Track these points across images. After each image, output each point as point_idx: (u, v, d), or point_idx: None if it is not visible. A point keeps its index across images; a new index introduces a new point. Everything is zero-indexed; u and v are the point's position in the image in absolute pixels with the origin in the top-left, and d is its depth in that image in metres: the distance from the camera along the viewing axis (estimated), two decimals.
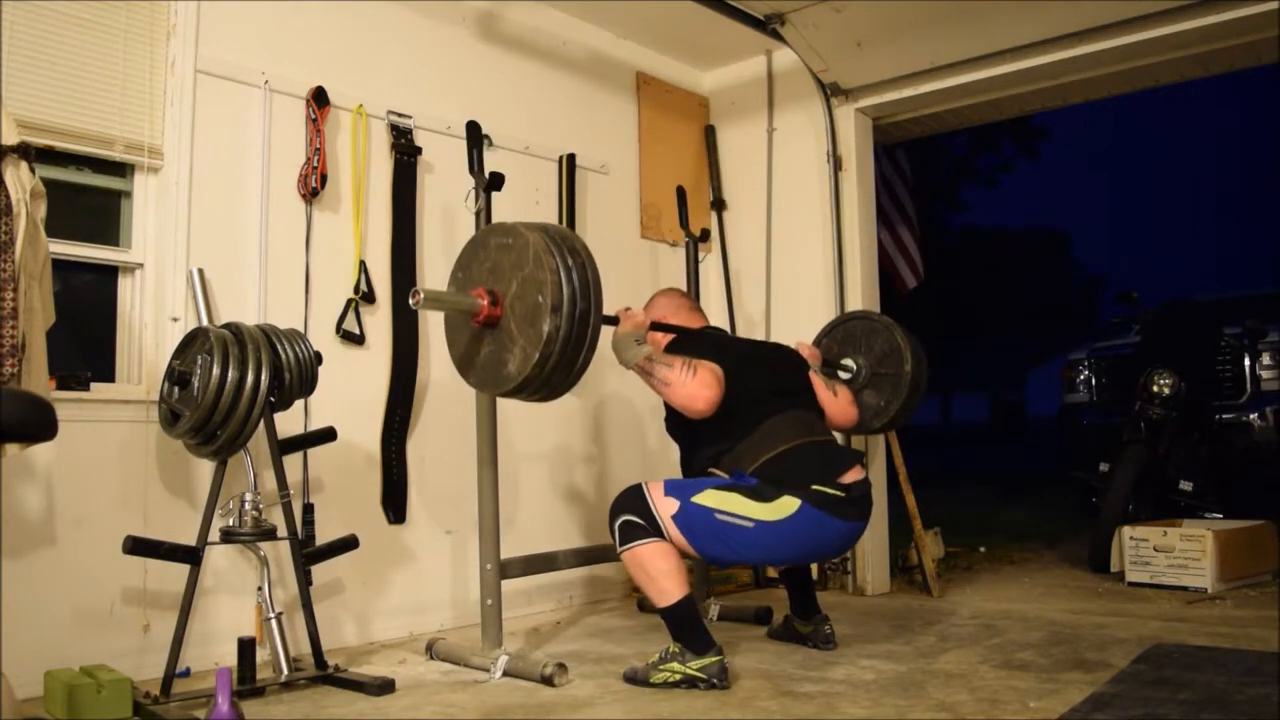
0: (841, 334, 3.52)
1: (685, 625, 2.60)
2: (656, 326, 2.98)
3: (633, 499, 2.66)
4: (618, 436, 4.25)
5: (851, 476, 2.72)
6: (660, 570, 2.58)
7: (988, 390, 32.72)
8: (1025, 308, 29.16)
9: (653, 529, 2.60)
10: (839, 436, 3.41)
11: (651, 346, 2.77)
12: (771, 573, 4.23)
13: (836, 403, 3.11)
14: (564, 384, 2.48)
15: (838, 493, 2.66)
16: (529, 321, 2.36)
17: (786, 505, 2.59)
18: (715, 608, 3.56)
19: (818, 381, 3.10)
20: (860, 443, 4.12)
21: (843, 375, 3.39)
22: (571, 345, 2.36)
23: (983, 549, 5.11)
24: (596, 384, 4.18)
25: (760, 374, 2.87)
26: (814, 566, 3.33)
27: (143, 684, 2.53)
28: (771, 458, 2.68)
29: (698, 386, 2.66)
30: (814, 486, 2.63)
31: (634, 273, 4.33)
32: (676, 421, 2.87)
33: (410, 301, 2.39)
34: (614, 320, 2.81)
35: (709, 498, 2.62)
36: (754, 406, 2.76)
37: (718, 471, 2.75)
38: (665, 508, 2.61)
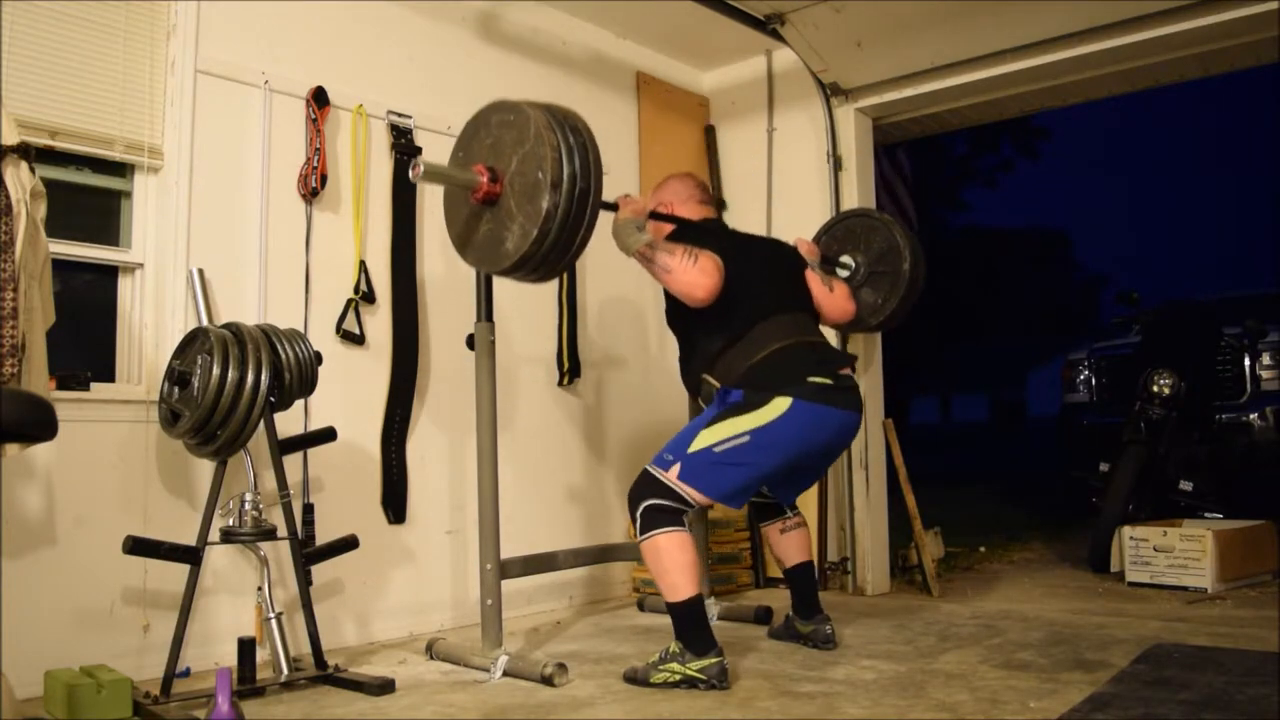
0: (841, 231, 3.52)
1: (690, 624, 2.60)
2: (656, 216, 2.99)
3: (647, 483, 2.68)
4: (618, 436, 4.25)
5: (843, 372, 2.80)
6: (677, 564, 2.59)
7: (988, 390, 32.79)
8: (1025, 308, 29.20)
9: (675, 504, 2.64)
10: (833, 337, 3.36)
11: (652, 234, 2.79)
12: (773, 572, 4.24)
13: (832, 298, 3.12)
14: (560, 263, 2.47)
15: (828, 380, 2.72)
16: (528, 198, 2.34)
17: (778, 405, 2.64)
18: (715, 608, 3.55)
19: (813, 277, 3.11)
20: (860, 440, 4.12)
21: (841, 273, 3.38)
22: (570, 224, 2.35)
23: (983, 549, 5.11)
24: (598, 383, 4.18)
25: (758, 269, 2.90)
26: (815, 566, 3.32)
27: (143, 684, 2.53)
28: (761, 359, 2.72)
29: (698, 274, 2.69)
30: (808, 379, 2.69)
31: (634, 272, 4.33)
32: (677, 314, 2.90)
33: (410, 174, 2.38)
34: (613, 206, 2.83)
35: (702, 440, 2.66)
36: (750, 302, 2.79)
37: (711, 379, 2.80)
38: (672, 474, 2.65)
